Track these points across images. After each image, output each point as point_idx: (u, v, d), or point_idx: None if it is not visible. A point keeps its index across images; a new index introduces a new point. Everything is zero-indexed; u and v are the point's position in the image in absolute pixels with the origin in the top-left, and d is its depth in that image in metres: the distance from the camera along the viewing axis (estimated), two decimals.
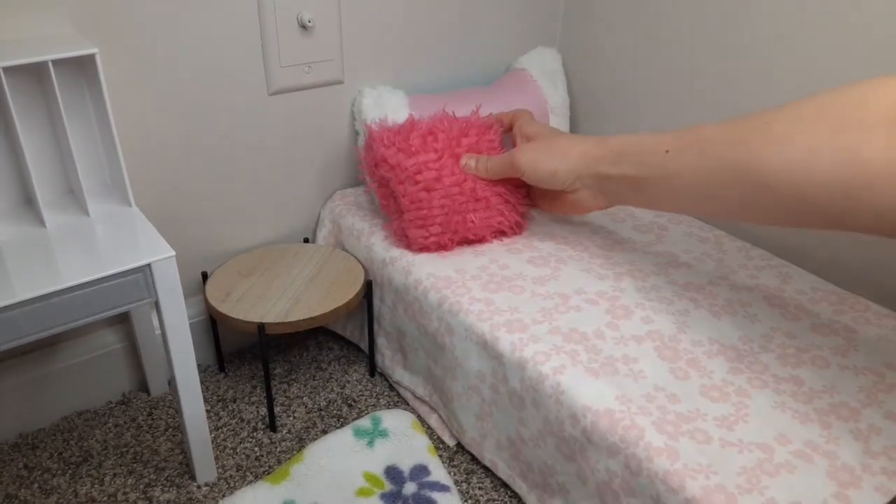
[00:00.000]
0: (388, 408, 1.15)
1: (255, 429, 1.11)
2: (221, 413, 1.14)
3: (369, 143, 1.12)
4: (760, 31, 1.11)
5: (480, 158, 1.10)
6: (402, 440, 1.01)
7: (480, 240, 1.13)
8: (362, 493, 0.93)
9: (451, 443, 1.07)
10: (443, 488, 0.94)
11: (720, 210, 0.82)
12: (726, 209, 0.80)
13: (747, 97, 1.16)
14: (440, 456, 1.05)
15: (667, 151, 0.84)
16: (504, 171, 1.07)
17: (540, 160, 1.02)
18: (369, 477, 0.95)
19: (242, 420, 1.13)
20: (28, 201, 0.96)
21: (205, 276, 1.18)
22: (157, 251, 0.83)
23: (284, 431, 1.11)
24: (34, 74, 0.89)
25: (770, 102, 1.13)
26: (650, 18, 1.28)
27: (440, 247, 1.10)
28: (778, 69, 1.11)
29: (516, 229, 1.15)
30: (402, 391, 1.17)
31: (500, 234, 1.14)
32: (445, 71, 1.34)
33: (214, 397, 1.18)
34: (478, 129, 1.13)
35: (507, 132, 1.16)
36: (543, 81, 1.36)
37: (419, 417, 1.13)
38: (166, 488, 1.00)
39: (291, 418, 1.13)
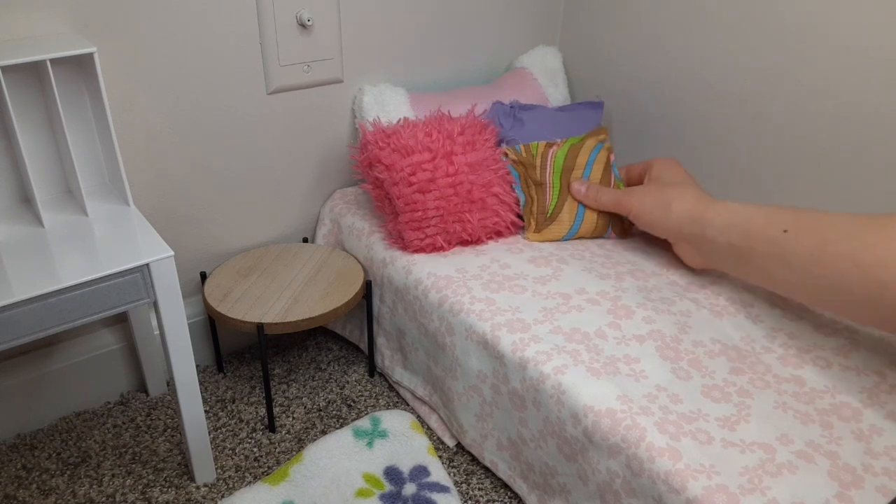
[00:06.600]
0: (387, 408, 1.15)
1: (254, 429, 1.11)
2: (220, 413, 1.14)
3: (363, 144, 1.12)
4: (759, 30, 1.11)
5: (592, 186, 1.10)
6: (402, 441, 1.00)
7: (476, 241, 1.12)
8: (362, 494, 0.92)
9: (451, 443, 1.07)
10: (443, 489, 0.94)
11: (832, 302, 0.81)
12: (839, 302, 0.80)
13: (747, 95, 1.16)
14: (440, 456, 1.05)
15: (785, 231, 0.84)
16: (613, 207, 1.08)
17: (645, 208, 1.02)
18: (369, 478, 0.95)
19: (241, 420, 1.12)
20: (26, 200, 0.95)
21: (203, 276, 1.17)
22: (155, 251, 0.83)
23: (283, 432, 1.10)
24: (32, 74, 0.89)
25: (768, 101, 1.14)
26: (650, 17, 1.27)
27: (436, 248, 1.10)
28: (777, 67, 1.10)
29: (512, 229, 1.15)
30: (401, 391, 1.17)
31: (497, 234, 1.14)
32: (446, 69, 1.34)
33: (213, 398, 1.17)
34: (473, 128, 1.12)
35: (634, 184, 1.14)
36: (544, 80, 1.36)
37: (419, 418, 1.13)
38: (165, 489, 1.00)
39: (290, 419, 1.13)
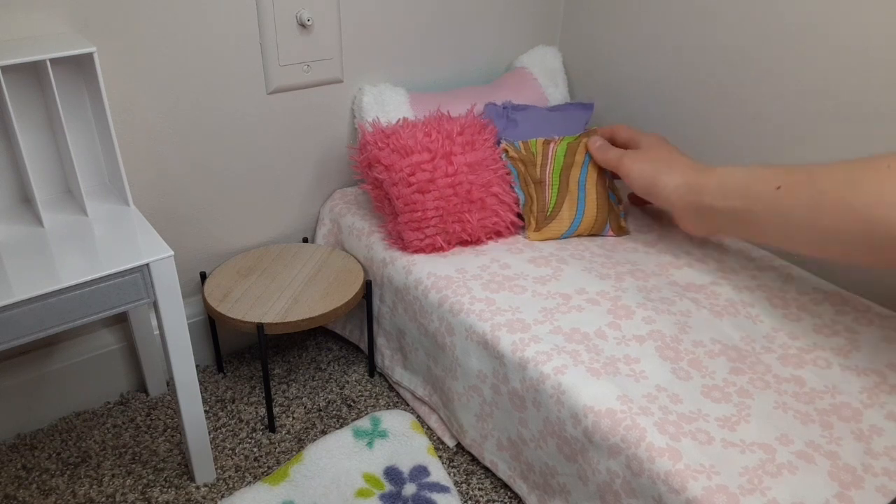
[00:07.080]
0: (387, 408, 1.15)
1: (254, 429, 1.11)
2: (220, 414, 1.14)
3: (363, 144, 1.12)
4: (759, 30, 1.11)
5: (604, 144, 1.13)
6: (402, 441, 1.00)
7: (476, 241, 1.12)
8: (361, 494, 0.92)
9: (450, 443, 1.07)
10: (442, 489, 0.94)
11: (832, 249, 0.82)
12: (839, 248, 0.81)
13: (747, 95, 1.16)
14: (440, 456, 1.05)
15: (778, 188, 0.85)
16: (614, 164, 1.09)
17: (635, 173, 1.05)
18: (368, 478, 0.95)
19: (241, 421, 1.12)
20: (26, 200, 0.95)
21: (203, 276, 1.17)
22: (155, 251, 0.83)
23: (283, 432, 1.10)
24: (32, 74, 0.89)
25: (767, 100, 1.14)
26: (649, 17, 1.27)
27: (436, 248, 1.10)
28: (777, 67, 1.10)
29: (512, 229, 1.15)
30: (401, 391, 1.17)
31: (496, 234, 1.14)
32: (446, 69, 1.34)
33: (213, 398, 1.17)
34: (472, 128, 1.12)
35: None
36: (544, 80, 1.36)
37: (419, 418, 1.13)
38: (165, 489, 1.00)
39: (290, 419, 1.13)
